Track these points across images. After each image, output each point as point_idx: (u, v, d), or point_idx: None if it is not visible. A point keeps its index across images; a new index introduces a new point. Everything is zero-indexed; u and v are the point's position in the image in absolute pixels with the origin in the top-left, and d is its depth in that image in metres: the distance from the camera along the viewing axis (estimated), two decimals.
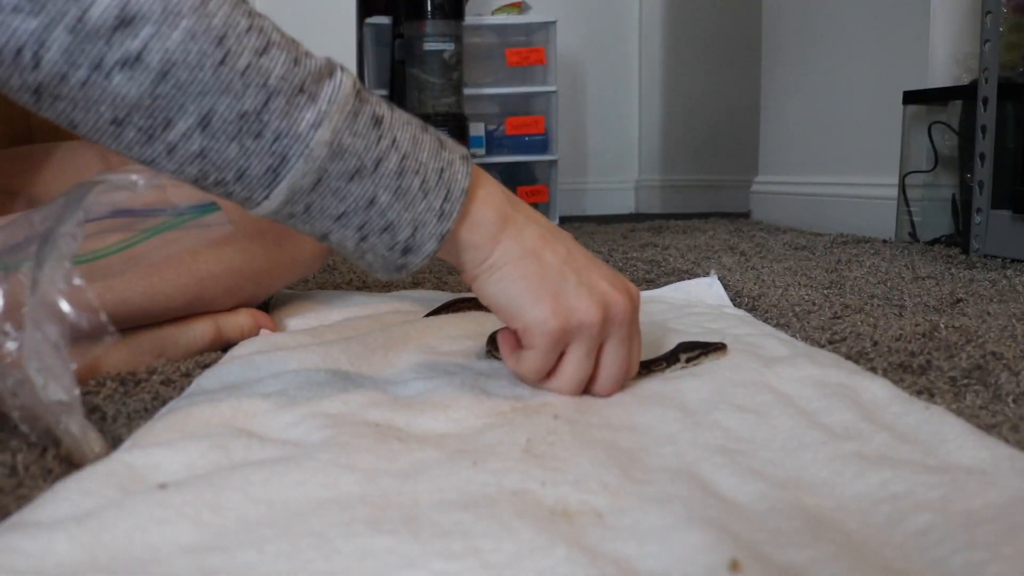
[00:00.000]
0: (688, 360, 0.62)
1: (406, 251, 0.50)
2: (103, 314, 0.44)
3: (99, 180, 0.46)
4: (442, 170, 0.50)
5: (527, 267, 0.52)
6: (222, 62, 0.43)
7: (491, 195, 0.53)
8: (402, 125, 0.50)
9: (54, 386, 0.44)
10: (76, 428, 0.45)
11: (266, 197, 0.46)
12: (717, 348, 0.63)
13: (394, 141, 0.48)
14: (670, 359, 0.62)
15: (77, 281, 0.44)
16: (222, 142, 0.44)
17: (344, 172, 0.47)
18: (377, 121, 0.48)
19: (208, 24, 0.42)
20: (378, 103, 0.49)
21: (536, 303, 0.52)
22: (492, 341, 0.64)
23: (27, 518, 0.37)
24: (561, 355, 0.54)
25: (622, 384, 0.56)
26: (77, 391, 0.45)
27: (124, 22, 0.40)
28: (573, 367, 0.54)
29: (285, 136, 0.45)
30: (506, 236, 0.52)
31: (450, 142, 0.52)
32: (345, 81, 0.47)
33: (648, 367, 0.60)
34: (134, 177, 0.46)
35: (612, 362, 0.55)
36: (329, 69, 0.47)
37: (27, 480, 0.44)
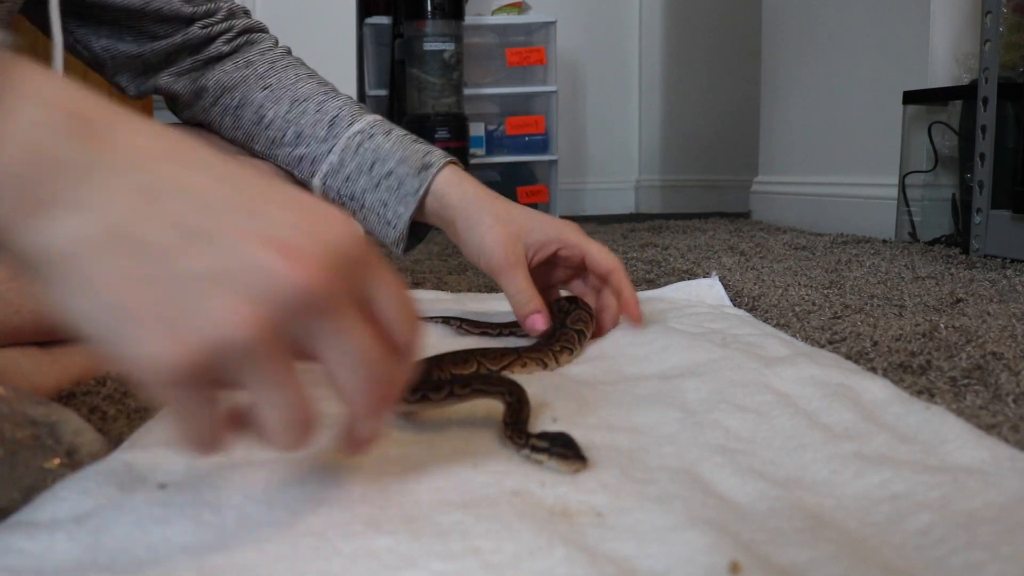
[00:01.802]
0: (534, 450, 0.44)
1: None
2: None
3: None
4: None
5: (108, 266, 0.30)
6: None
7: (31, 102, 0.29)
8: None
9: None
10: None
11: None
12: (570, 457, 0.43)
13: None
14: (525, 439, 0.44)
15: None
16: None
17: None
18: None
19: None
20: None
21: (135, 332, 0.30)
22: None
23: (27, 518, 0.37)
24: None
25: (397, 393, 0.36)
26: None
27: None
28: (267, 412, 0.33)
29: None
30: (61, 201, 0.29)
31: None
32: None
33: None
34: None
35: (347, 357, 0.34)
36: None
37: None
